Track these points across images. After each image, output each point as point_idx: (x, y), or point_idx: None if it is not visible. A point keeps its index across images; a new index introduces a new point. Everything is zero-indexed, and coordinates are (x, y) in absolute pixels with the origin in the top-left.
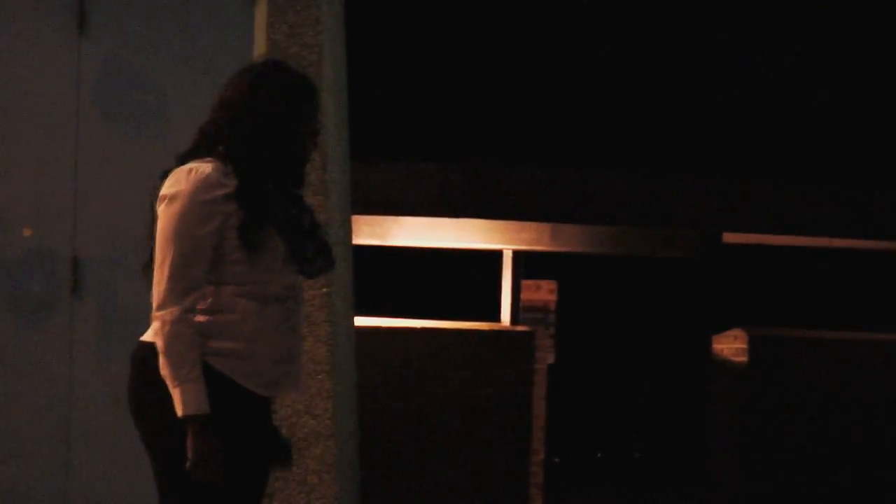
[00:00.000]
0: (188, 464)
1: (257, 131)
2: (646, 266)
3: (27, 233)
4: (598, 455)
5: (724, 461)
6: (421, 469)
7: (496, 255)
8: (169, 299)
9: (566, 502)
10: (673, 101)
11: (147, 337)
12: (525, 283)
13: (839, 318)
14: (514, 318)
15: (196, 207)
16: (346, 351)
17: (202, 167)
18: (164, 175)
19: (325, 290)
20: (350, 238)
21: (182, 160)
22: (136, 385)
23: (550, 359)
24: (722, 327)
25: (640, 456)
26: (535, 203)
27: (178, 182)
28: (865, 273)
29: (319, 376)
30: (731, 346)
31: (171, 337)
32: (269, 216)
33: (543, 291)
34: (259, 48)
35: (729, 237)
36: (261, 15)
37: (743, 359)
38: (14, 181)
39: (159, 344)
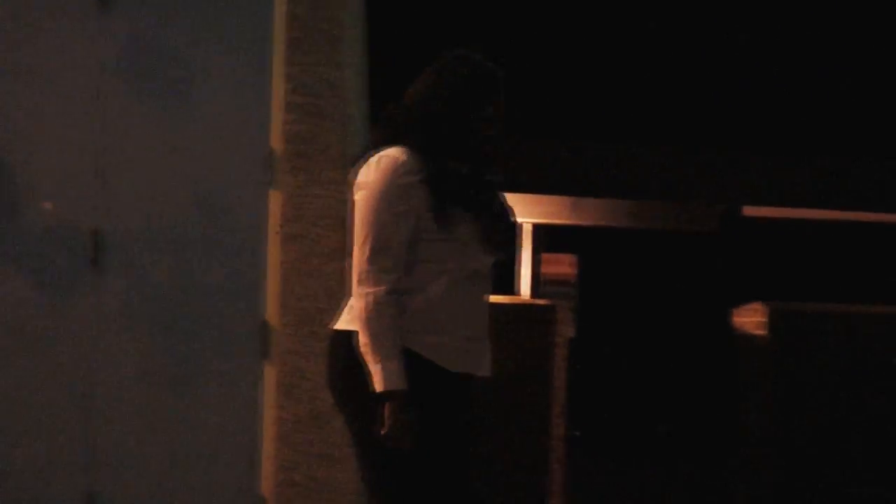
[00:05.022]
0: (382, 431)
1: (437, 118)
2: (666, 240)
3: (48, 206)
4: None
5: (746, 434)
6: None
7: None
8: (370, 279)
9: (587, 476)
10: (693, 75)
11: (341, 325)
12: (545, 256)
13: (860, 292)
14: (534, 292)
15: (390, 190)
16: None
17: (392, 153)
18: (356, 164)
19: (346, 263)
20: None
21: (373, 149)
22: (336, 371)
23: (570, 333)
24: (743, 301)
25: (663, 430)
26: (556, 176)
27: (371, 170)
28: (888, 247)
29: None
30: (751, 319)
31: (374, 315)
32: (462, 198)
33: (564, 265)
34: (279, 22)
35: (749, 211)
36: None
37: (763, 332)
38: (37, 157)
39: (360, 322)
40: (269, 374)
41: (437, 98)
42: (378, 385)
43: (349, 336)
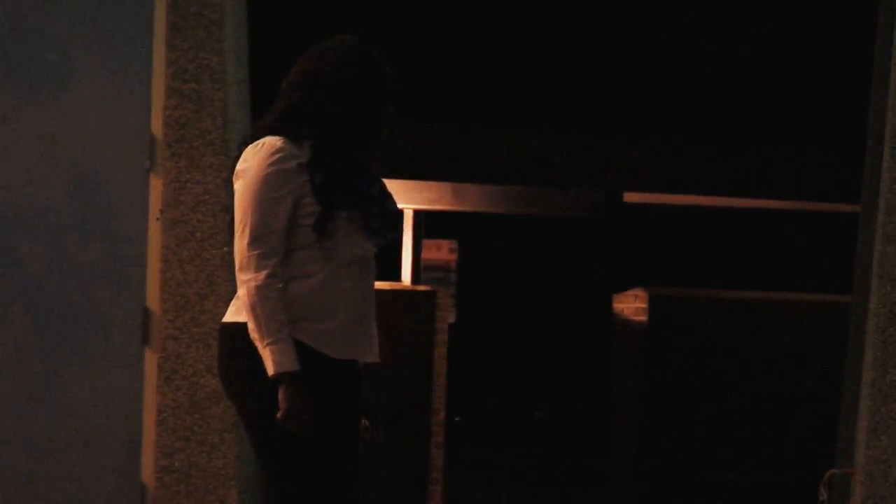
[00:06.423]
0: (279, 415)
1: (324, 107)
2: (547, 225)
3: None
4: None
5: (626, 419)
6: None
7: None
8: (251, 265)
9: (467, 461)
10: (573, 59)
11: (228, 317)
12: (426, 242)
13: (739, 278)
14: (415, 278)
15: (269, 177)
16: None
17: (271, 140)
18: (240, 151)
19: (226, 249)
20: None
21: (255, 136)
22: (224, 359)
23: (451, 318)
24: (623, 286)
25: (541, 415)
26: (437, 162)
27: (250, 156)
28: (766, 232)
29: None
30: (631, 305)
31: (259, 300)
32: (340, 185)
33: (444, 251)
34: (160, 7)
35: (630, 197)
36: None
37: (643, 318)
38: None
39: (246, 309)
40: (150, 360)
41: (319, 85)
42: (270, 368)
43: (236, 328)
